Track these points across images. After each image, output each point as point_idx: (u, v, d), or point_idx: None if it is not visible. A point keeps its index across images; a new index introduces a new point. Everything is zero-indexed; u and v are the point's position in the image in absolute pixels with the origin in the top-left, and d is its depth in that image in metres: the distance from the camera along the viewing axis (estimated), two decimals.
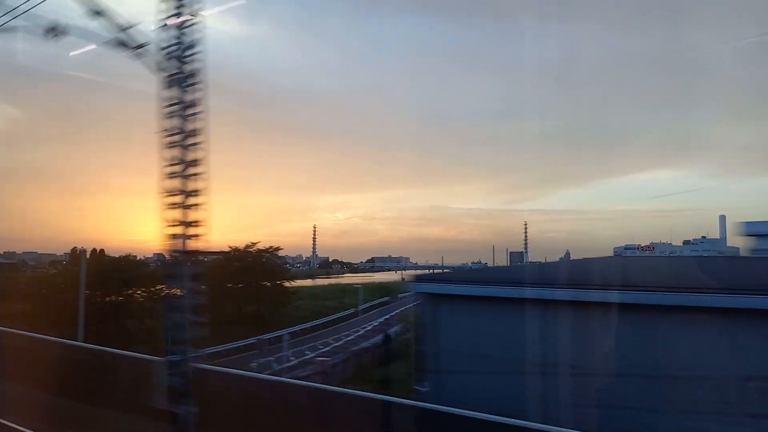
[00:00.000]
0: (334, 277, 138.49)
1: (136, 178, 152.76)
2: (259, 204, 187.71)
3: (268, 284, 49.38)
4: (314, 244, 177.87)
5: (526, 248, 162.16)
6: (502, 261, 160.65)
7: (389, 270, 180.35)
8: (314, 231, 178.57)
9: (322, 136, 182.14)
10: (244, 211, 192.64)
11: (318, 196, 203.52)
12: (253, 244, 51.97)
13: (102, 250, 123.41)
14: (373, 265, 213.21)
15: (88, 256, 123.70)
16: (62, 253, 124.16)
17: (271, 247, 53.40)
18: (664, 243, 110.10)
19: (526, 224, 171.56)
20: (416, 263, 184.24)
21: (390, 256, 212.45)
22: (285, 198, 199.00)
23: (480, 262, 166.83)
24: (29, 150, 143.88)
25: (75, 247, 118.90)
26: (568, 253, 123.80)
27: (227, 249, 47.74)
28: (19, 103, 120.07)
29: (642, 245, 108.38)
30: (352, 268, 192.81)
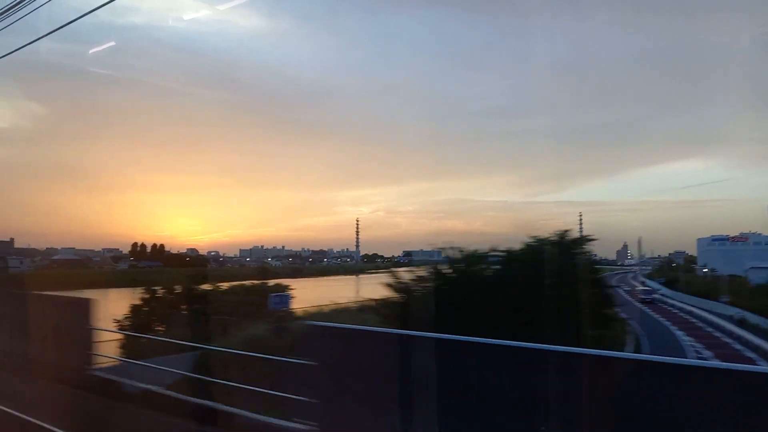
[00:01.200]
0: (388, 271, 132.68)
1: (158, 175, 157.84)
2: (279, 199, 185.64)
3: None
4: (357, 239, 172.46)
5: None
6: None
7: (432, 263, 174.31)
8: (357, 225, 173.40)
9: (341, 131, 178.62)
10: (265, 207, 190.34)
11: (340, 191, 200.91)
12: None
13: (162, 246, 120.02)
14: (411, 258, 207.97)
15: (148, 252, 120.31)
16: (100, 249, 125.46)
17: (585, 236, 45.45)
18: (755, 234, 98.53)
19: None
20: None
21: (422, 250, 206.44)
22: (306, 193, 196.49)
23: None
24: (53, 147, 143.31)
25: (135, 242, 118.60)
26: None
27: None
28: (43, 100, 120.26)
29: (732, 236, 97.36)
30: (395, 261, 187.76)
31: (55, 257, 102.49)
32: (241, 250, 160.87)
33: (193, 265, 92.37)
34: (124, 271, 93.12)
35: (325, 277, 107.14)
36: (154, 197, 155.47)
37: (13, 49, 10.29)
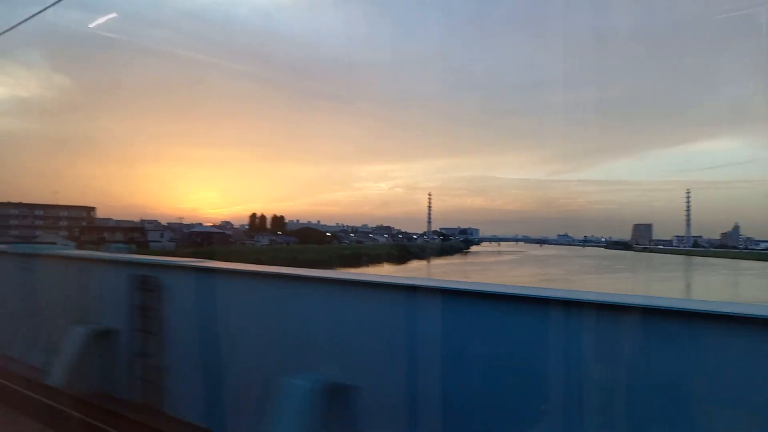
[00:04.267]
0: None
1: (178, 147, 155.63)
2: (300, 173, 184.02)
3: None
4: (429, 214, 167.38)
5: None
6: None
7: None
8: (429, 199, 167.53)
9: (364, 104, 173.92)
10: (285, 180, 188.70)
11: (361, 166, 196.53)
12: None
13: (282, 217, 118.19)
14: (469, 236, 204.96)
15: (269, 224, 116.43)
16: (139, 219, 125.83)
17: None
18: None
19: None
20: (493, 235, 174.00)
21: (459, 227, 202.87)
22: (327, 167, 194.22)
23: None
24: (80, 118, 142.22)
25: (254, 213, 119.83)
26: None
27: None
28: (69, 71, 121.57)
29: None
30: (460, 239, 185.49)
31: (194, 230, 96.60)
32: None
33: (322, 240, 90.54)
34: (281, 248, 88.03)
35: (457, 258, 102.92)
36: (174, 170, 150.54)
37: (33, 14, 9.27)
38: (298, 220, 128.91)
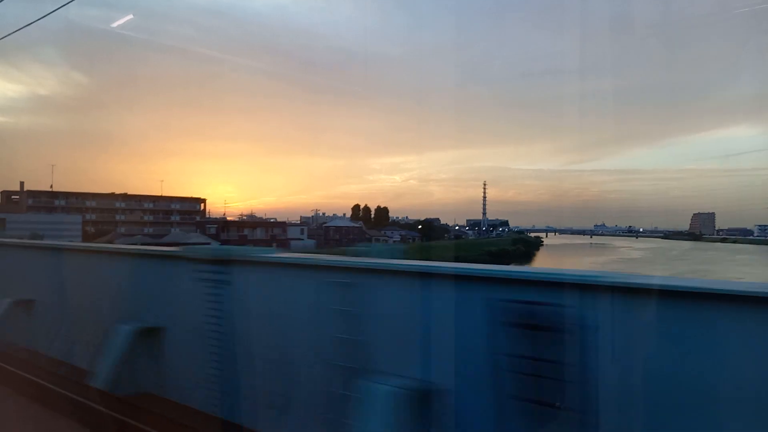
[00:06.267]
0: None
1: (193, 141, 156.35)
2: (314, 166, 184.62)
3: None
4: (484, 205, 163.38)
5: None
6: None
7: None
8: (484, 188, 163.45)
9: (378, 98, 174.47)
10: (300, 174, 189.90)
11: (374, 158, 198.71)
12: None
13: (386, 209, 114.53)
14: (498, 228, 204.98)
15: (372, 215, 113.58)
16: (240, 215, 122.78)
17: None
18: None
19: None
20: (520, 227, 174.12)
21: (487, 218, 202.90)
22: (340, 160, 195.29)
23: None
24: (96, 115, 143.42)
25: (357, 204, 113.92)
26: None
27: None
28: (85, 68, 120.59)
29: None
30: (516, 230, 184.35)
31: (330, 224, 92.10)
32: (302, 217, 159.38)
33: (441, 235, 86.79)
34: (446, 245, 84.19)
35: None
36: (190, 164, 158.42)
37: (50, 11, 9.84)
38: (324, 213, 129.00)
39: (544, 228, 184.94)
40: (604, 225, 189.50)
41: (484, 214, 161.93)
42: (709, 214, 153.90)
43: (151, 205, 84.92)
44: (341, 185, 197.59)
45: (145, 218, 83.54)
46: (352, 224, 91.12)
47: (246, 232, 75.50)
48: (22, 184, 78.51)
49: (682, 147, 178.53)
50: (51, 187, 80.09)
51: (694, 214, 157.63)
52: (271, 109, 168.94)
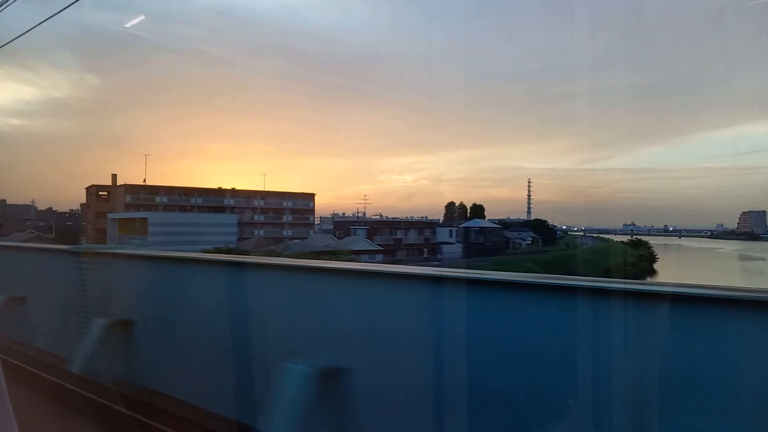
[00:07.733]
0: None
1: (207, 143, 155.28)
2: (325, 167, 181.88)
3: None
4: (529, 204, 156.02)
5: None
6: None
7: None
8: (529, 186, 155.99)
9: (390, 98, 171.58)
10: (313, 174, 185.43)
11: (386, 159, 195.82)
12: None
13: (482, 206, 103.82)
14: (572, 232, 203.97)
15: (468, 213, 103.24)
16: (330, 214, 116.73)
17: None
18: None
19: None
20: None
21: (509, 218, 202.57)
22: (352, 161, 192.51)
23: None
24: (110, 117, 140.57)
25: (451, 201, 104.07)
26: None
27: None
28: (98, 71, 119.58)
29: None
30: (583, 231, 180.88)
31: (467, 224, 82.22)
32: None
33: (553, 239, 77.61)
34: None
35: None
36: (206, 165, 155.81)
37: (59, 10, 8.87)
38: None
39: (565, 228, 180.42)
40: (633, 224, 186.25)
41: (529, 213, 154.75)
42: (760, 212, 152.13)
43: (261, 203, 71.43)
44: (352, 186, 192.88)
45: (255, 218, 70.11)
46: (492, 225, 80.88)
47: (400, 234, 64.02)
48: (114, 177, 64.05)
49: (696, 144, 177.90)
50: (144, 181, 65.84)
51: (743, 213, 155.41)
52: (283, 109, 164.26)
